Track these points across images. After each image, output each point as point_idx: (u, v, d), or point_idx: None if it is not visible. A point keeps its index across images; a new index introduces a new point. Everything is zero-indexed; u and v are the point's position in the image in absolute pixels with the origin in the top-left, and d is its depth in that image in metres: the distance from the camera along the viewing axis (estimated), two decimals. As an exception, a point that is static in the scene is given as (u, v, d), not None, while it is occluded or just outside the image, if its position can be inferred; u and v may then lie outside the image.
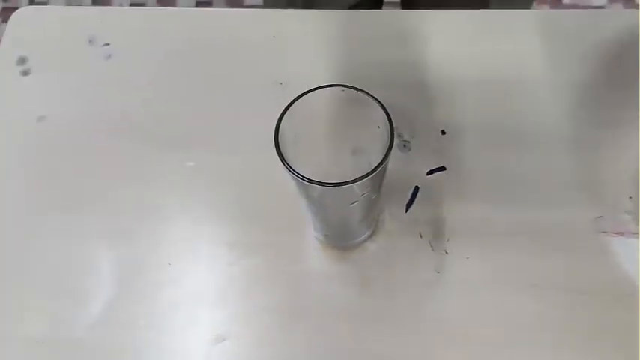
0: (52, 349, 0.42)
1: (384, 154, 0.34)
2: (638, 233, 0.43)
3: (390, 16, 0.53)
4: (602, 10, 0.48)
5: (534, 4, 0.71)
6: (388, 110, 0.35)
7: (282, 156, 0.34)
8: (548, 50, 0.51)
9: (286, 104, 0.35)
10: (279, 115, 0.35)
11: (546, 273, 0.42)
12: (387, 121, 0.35)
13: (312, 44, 0.52)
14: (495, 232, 0.44)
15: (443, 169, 0.47)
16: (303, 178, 0.34)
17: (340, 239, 0.44)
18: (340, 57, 0.51)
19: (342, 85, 0.36)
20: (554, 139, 0.47)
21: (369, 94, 0.36)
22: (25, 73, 0.52)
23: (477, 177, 0.46)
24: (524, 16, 0.53)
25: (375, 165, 0.34)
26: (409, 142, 0.48)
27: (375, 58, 0.51)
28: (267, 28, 0.53)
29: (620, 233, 0.43)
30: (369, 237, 0.44)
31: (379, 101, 0.36)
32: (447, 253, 0.43)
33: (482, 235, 0.44)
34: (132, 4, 1.53)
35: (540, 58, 0.51)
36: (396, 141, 0.46)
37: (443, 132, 0.48)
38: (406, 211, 0.45)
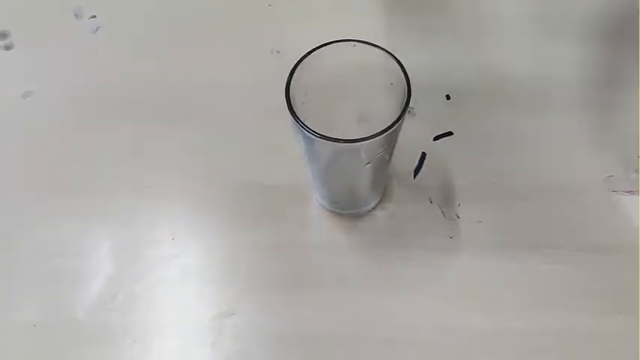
0: (52, 333, 0.39)
1: (402, 108, 0.33)
2: (649, 192, 0.43)
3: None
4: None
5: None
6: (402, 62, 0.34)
7: (295, 113, 0.33)
8: (555, 12, 0.50)
9: (284, 73, 0.34)
10: (289, 73, 0.34)
11: (558, 234, 0.42)
12: (403, 74, 0.34)
13: (310, 11, 0.51)
14: (506, 195, 0.43)
15: (450, 134, 0.46)
16: (317, 134, 0.32)
17: (348, 207, 0.43)
18: (339, 25, 0.50)
19: (354, 40, 0.35)
20: (563, 100, 0.47)
21: (381, 48, 0.35)
22: (8, 47, 0.50)
23: (484, 141, 0.45)
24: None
25: (391, 123, 0.33)
26: (413, 108, 0.47)
27: (377, 23, 0.50)
28: (261, -3, 0.52)
29: (631, 192, 0.43)
30: (378, 204, 0.43)
31: (392, 54, 0.34)
32: (458, 217, 0.42)
33: (493, 199, 0.43)
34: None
35: (546, 21, 0.50)
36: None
37: (448, 97, 0.47)
38: (414, 177, 0.44)
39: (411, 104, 0.46)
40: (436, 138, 0.45)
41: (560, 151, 0.44)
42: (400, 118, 0.33)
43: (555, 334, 0.38)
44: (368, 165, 0.36)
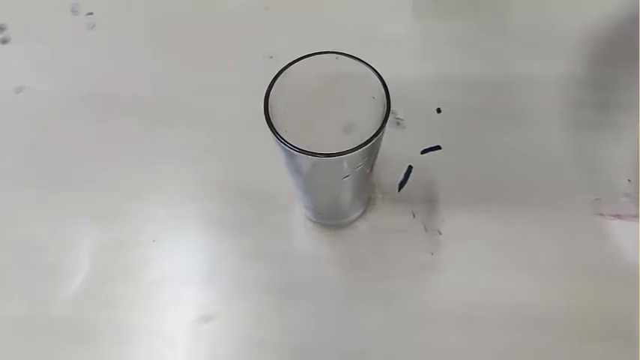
0: (30, 329, 0.40)
1: (381, 123, 0.33)
2: (636, 217, 0.42)
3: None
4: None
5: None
6: (383, 78, 0.34)
7: (273, 125, 0.33)
8: (543, 30, 0.50)
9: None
10: (269, 83, 0.34)
11: (542, 254, 0.41)
12: (383, 89, 0.33)
13: (304, 17, 0.50)
14: (490, 213, 0.43)
15: (438, 148, 0.45)
16: (295, 148, 0.32)
17: (331, 217, 0.42)
18: (334, 31, 0.49)
19: (336, 53, 0.35)
20: (552, 120, 0.46)
21: (362, 61, 0.34)
22: (4, 41, 0.50)
23: (472, 156, 0.45)
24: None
25: (369, 137, 0.33)
26: (403, 120, 0.46)
27: (370, 33, 0.49)
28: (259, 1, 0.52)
29: (618, 216, 0.42)
30: (361, 216, 0.43)
31: (373, 68, 0.34)
32: (440, 233, 0.42)
33: (477, 216, 0.42)
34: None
35: (536, 39, 0.49)
36: (389, 118, 0.44)
37: (438, 110, 0.47)
38: (399, 190, 0.44)
39: (401, 116, 0.47)
40: (424, 152, 0.45)
41: (548, 171, 0.44)
42: (379, 132, 0.33)
43: (535, 353, 0.38)
44: (347, 178, 0.35)
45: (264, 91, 0.33)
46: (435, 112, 0.47)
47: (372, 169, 0.38)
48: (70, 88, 0.48)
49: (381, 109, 0.34)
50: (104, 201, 0.43)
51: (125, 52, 0.50)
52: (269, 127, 0.33)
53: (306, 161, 0.34)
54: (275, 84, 0.34)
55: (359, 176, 0.37)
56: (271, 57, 0.49)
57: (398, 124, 0.46)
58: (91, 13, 0.51)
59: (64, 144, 0.46)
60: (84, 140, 0.46)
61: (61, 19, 0.51)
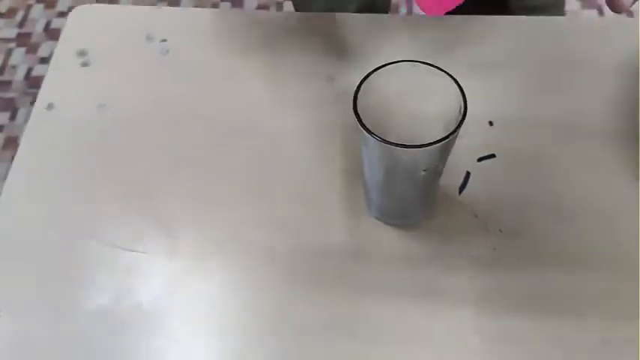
0: (116, 319, 0.42)
1: (458, 122, 0.37)
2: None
3: (445, 22, 0.57)
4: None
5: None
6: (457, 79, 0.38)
7: (362, 121, 0.37)
8: (586, 50, 0.54)
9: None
10: (356, 87, 0.38)
11: (593, 252, 0.44)
12: (459, 91, 0.37)
13: (363, 46, 0.55)
14: (543, 214, 0.46)
15: (493, 156, 0.49)
16: (383, 140, 0.36)
17: (402, 217, 0.46)
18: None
19: (414, 61, 0.39)
20: (596, 132, 0.50)
21: (438, 68, 0.38)
22: (85, 64, 0.55)
23: (523, 164, 0.48)
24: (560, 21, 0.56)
25: (448, 133, 0.36)
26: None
27: (423, 54, 0.54)
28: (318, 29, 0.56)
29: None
30: (427, 217, 0.46)
31: (449, 74, 0.38)
32: (501, 231, 0.45)
33: (532, 217, 0.46)
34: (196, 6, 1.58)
35: (580, 61, 0.54)
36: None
37: (490, 123, 0.50)
38: (459, 193, 0.47)
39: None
40: (480, 159, 0.49)
41: (591, 177, 0.47)
42: (457, 129, 0.37)
43: (590, 339, 0.41)
44: (424, 173, 0.39)
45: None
46: (488, 124, 0.50)
47: (443, 168, 0.41)
48: (147, 104, 0.52)
49: (459, 107, 0.38)
50: (176, 208, 0.47)
51: (194, 75, 0.54)
52: (359, 123, 0.37)
53: (386, 155, 0.38)
54: (362, 86, 0.38)
55: (433, 173, 0.40)
56: (333, 79, 0.53)
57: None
58: (164, 40, 0.56)
59: (140, 155, 0.50)
60: (157, 152, 0.50)
61: (137, 45, 0.55)
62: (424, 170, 0.39)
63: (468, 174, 0.48)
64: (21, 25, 1.57)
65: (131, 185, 0.48)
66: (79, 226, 0.46)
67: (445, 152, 0.39)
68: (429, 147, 0.36)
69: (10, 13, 1.59)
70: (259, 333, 0.42)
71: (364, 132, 0.36)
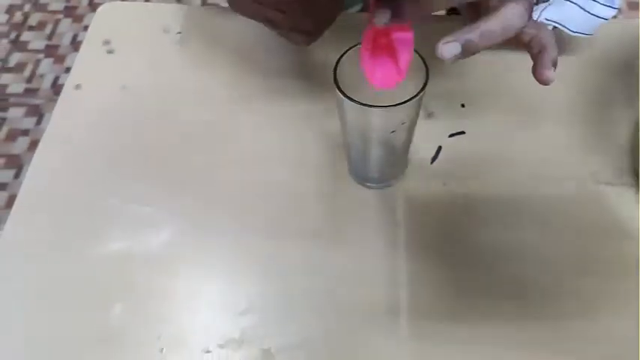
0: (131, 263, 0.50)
1: (423, 85, 0.43)
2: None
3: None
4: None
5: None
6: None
7: (341, 88, 0.44)
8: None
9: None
10: (335, 62, 0.45)
11: (550, 212, 0.51)
12: (423, 64, 0.44)
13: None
14: (506, 181, 0.52)
15: (462, 132, 0.56)
16: (358, 102, 0.43)
17: (374, 180, 0.52)
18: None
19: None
20: (561, 113, 0.56)
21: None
22: (110, 52, 0.62)
23: (490, 140, 0.55)
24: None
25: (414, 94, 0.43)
26: (433, 113, 0.57)
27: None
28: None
29: (610, 184, 0.52)
30: (398, 180, 0.53)
31: (416, 51, 0.45)
32: (465, 197, 0.52)
33: (496, 182, 0.52)
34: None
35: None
36: (423, 111, 0.55)
37: (462, 105, 0.57)
38: (431, 163, 0.54)
39: (431, 109, 0.57)
40: (451, 135, 0.55)
41: (554, 152, 0.54)
42: (422, 90, 0.43)
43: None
44: (392, 133, 0.46)
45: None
46: (460, 106, 0.57)
47: (412, 129, 0.48)
48: (162, 87, 0.60)
49: (423, 72, 0.44)
50: (186, 189, 0.54)
51: (206, 65, 0.61)
52: (338, 90, 0.43)
53: (359, 116, 0.45)
54: (340, 62, 0.45)
55: (402, 134, 0.47)
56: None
57: (429, 115, 0.57)
58: (179, 32, 0.63)
59: (157, 132, 0.57)
60: (172, 130, 0.57)
61: (155, 36, 0.63)
62: (392, 131, 0.46)
63: (439, 148, 0.55)
64: (50, 37, 1.67)
65: (147, 152, 0.56)
66: (101, 185, 0.54)
67: (410, 114, 0.45)
68: (394, 107, 0.43)
69: (40, 26, 1.69)
70: (253, 273, 0.49)
71: (340, 95, 0.43)
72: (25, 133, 1.49)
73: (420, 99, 0.44)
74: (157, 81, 0.60)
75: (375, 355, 0.45)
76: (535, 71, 0.43)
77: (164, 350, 0.45)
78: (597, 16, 0.53)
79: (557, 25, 0.53)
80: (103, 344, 0.46)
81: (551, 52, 0.43)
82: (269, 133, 0.56)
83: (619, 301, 0.47)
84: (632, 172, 0.52)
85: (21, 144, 1.47)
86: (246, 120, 0.57)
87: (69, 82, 0.61)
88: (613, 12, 0.53)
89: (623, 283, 0.47)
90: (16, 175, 1.42)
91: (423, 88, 0.44)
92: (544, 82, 0.42)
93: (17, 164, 1.44)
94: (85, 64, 0.62)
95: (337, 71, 0.44)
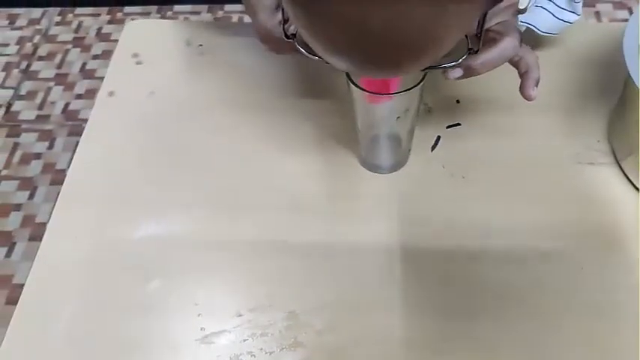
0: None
1: (423, 76, 0.50)
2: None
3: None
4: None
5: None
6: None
7: (354, 82, 0.50)
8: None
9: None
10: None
11: (537, 187, 0.57)
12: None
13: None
14: (500, 165, 0.59)
15: (458, 124, 0.62)
16: (365, 89, 0.49)
17: (381, 167, 0.59)
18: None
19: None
20: (546, 105, 0.63)
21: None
22: (139, 63, 0.69)
23: (484, 132, 0.62)
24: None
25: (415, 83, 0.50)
26: (432, 108, 0.64)
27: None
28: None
29: (592, 163, 0.58)
30: (403, 166, 0.59)
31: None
32: (463, 178, 0.58)
33: (490, 169, 0.59)
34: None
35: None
36: (423, 106, 0.62)
37: (457, 101, 0.64)
38: (431, 151, 0.61)
39: (430, 104, 0.64)
40: (448, 127, 0.62)
41: (538, 137, 0.61)
42: (417, 85, 0.50)
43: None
44: (399, 119, 0.52)
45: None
46: (455, 102, 0.64)
47: (416, 116, 0.54)
48: (185, 94, 0.67)
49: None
50: (208, 167, 0.61)
51: (226, 71, 0.68)
52: (347, 78, 0.50)
53: (365, 103, 0.51)
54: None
55: (406, 121, 0.54)
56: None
57: (429, 111, 0.63)
58: (201, 45, 0.70)
59: (179, 134, 0.63)
60: (195, 131, 0.64)
61: (179, 48, 0.70)
62: (398, 117, 0.52)
63: (438, 137, 0.61)
64: (59, 66, 1.74)
65: (173, 150, 0.62)
66: (135, 177, 0.60)
67: (412, 102, 0.52)
68: (397, 94, 0.49)
69: (50, 56, 1.77)
70: (276, 247, 0.55)
71: (351, 84, 0.50)
72: (38, 156, 1.55)
73: (420, 89, 0.51)
74: (181, 88, 0.67)
75: (383, 313, 0.51)
76: (521, 90, 0.51)
77: (201, 315, 0.51)
78: (564, 20, 0.61)
79: (529, 26, 0.61)
80: (146, 312, 0.52)
81: (534, 73, 0.51)
82: (286, 128, 0.63)
83: (603, 268, 0.53)
84: (611, 153, 0.59)
85: (34, 167, 1.53)
86: (263, 119, 0.64)
87: (102, 89, 0.67)
88: (577, 17, 0.62)
89: (605, 247, 0.54)
90: (31, 197, 1.47)
91: (422, 79, 0.50)
92: (528, 99, 0.51)
93: (31, 186, 1.49)
94: (116, 73, 0.69)
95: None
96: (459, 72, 0.48)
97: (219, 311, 0.52)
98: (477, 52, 0.47)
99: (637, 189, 0.56)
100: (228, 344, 0.50)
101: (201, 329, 0.50)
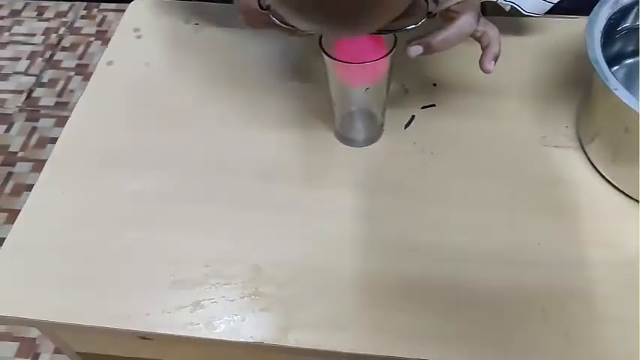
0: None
1: (393, 44, 0.53)
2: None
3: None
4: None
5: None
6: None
7: (328, 54, 0.53)
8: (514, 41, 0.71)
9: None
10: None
11: (505, 167, 0.60)
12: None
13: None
14: (468, 144, 0.62)
15: (433, 105, 0.65)
16: (335, 58, 0.53)
17: (358, 141, 0.62)
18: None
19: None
20: (513, 92, 0.66)
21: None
22: (139, 37, 0.73)
23: (457, 112, 0.64)
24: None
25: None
26: (409, 89, 0.67)
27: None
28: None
29: (557, 146, 0.61)
30: (377, 140, 0.62)
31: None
32: (432, 153, 0.61)
33: (459, 146, 0.62)
34: None
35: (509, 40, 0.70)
36: (400, 87, 0.65)
37: (434, 84, 0.67)
38: (405, 128, 0.63)
39: (407, 85, 0.67)
40: (423, 107, 0.65)
41: (508, 121, 0.63)
42: (387, 54, 0.53)
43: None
44: (368, 89, 0.55)
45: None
46: (432, 85, 0.67)
47: (385, 91, 0.57)
48: (181, 66, 0.70)
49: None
50: (200, 133, 0.64)
51: (219, 47, 0.72)
52: (322, 51, 0.53)
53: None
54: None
55: (378, 95, 0.57)
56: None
57: (406, 91, 0.66)
58: (197, 24, 0.74)
59: (173, 101, 0.67)
60: (187, 103, 0.67)
61: (176, 26, 0.74)
62: (367, 88, 0.55)
63: (413, 116, 0.64)
64: (81, 57, 1.81)
65: (167, 116, 0.66)
66: (130, 139, 0.64)
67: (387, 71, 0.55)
68: (365, 64, 0.52)
69: (73, 47, 1.84)
70: (235, 210, 0.58)
71: (324, 55, 0.53)
72: (53, 141, 1.61)
73: (390, 59, 0.54)
74: (173, 60, 0.71)
75: (346, 271, 0.54)
76: (480, 63, 0.55)
77: (171, 264, 0.55)
78: (547, 1, 0.63)
79: (513, 5, 0.63)
80: (124, 258, 0.55)
81: (494, 48, 0.54)
82: (268, 105, 0.66)
83: (558, 244, 0.55)
84: (576, 137, 0.61)
85: (49, 151, 1.58)
86: (248, 94, 0.67)
87: (103, 58, 0.72)
88: None
89: (562, 223, 0.56)
90: (44, 178, 1.53)
91: (391, 51, 0.53)
92: (485, 72, 0.55)
93: (45, 168, 1.55)
94: (117, 45, 0.73)
95: (322, 40, 0.54)
96: (419, 49, 0.52)
97: (188, 261, 0.55)
98: (435, 15, 0.50)
99: (599, 172, 0.59)
100: (193, 291, 0.53)
101: (170, 276, 0.54)
